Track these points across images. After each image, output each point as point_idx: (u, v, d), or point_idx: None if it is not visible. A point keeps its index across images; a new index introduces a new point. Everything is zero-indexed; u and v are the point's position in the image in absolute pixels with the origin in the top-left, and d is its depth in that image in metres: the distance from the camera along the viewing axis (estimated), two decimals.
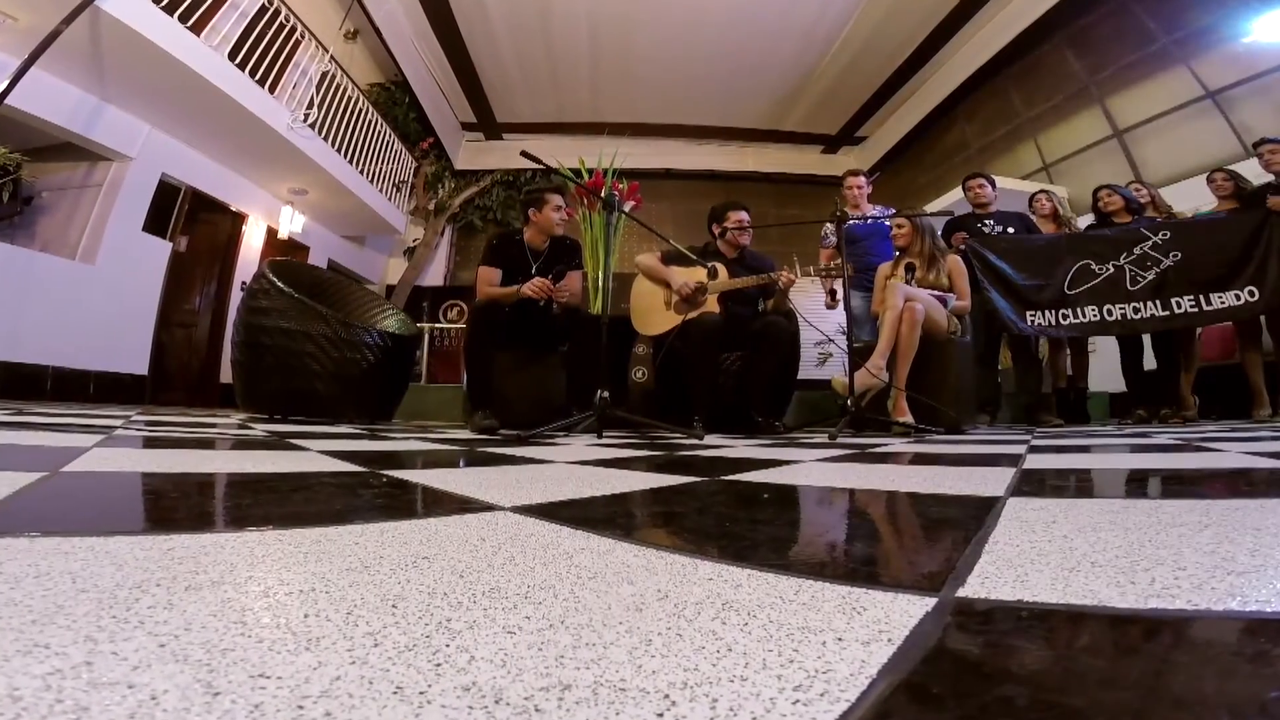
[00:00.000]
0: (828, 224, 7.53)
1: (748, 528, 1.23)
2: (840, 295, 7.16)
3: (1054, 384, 7.71)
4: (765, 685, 0.50)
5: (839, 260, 5.60)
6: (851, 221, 7.47)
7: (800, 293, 6.57)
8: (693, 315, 5.58)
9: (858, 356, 5.35)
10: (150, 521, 1.22)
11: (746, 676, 0.52)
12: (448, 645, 0.57)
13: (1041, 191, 8.02)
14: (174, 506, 1.36)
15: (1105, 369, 7.92)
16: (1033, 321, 6.88)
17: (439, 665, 0.53)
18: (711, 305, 5.75)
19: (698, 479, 2.07)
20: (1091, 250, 6.78)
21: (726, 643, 0.60)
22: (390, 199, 15.15)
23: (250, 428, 4.67)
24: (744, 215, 6.22)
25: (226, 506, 1.43)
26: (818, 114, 16.67)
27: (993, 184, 7.62)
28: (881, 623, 0.65)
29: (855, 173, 7.90)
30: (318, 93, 11.52)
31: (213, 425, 4.74)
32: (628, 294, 6.27)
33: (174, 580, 0.76)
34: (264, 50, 10.05)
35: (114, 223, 9.58)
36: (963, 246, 7.01)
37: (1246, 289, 6.09)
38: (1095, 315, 6.65)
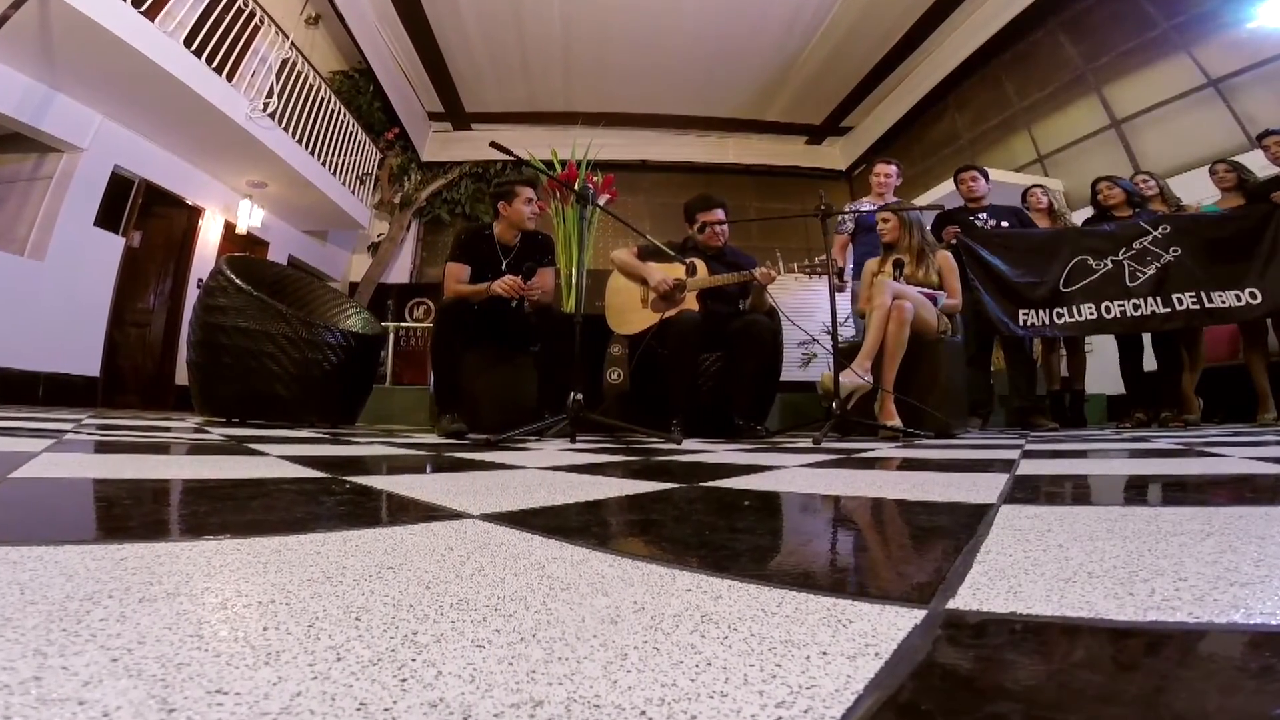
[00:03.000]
0: (844, 212, 7.54)
1: (728, 536, 1.23)
2: (850, 280, 7.20)
3: (1049, 386, 7.73)
4: (746, 701, 0.50)
5: (822, 258, 5.58)
6: (867, 209, 7.54)
7: (783, 290, 6.58)
8: (671, 313, 5.54)
9: (844, 357, 5.33)
10: (102, 530, 1.21)
11: (727, 692, 0.52)
12: (414, 660, 0.57)
13: (1036, 186, 8.04)
14: (127, 514, 1.35)
15: (1103, 370, 7.95)
16: (1025, 321, 6.86)
17: (405, 681, 0.53)
18: (690, 303, 5.70)
19: (676, 485, 2.07)
20: (1089, 245, 6.77)
21: (706, 657, 0.60)
22: (354, 192, 15.11)
23: (207, 431, 4.65)
24: (718, 213, 6.16)
25: (182, 514, 1.43)
26: (801, 103, 16.72)
27: (985, 176, 7.61)
28: (868, 636, 0.65)
29: (887, 161, 7.95)
30: (277, 81, 11.48)
31: (168, 429, 4.72)
32: (602, 291, 6.23)
33: (127, 591, 0.76)
34: (221, 36, 10.01)
35: (64, 217, 9.50)
36: (953, 241, 7.00)
37: (1248, 290, 6.10)
38: (1092, 313, 6.63)
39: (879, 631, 0.66)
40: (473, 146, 17.54)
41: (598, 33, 13.92)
